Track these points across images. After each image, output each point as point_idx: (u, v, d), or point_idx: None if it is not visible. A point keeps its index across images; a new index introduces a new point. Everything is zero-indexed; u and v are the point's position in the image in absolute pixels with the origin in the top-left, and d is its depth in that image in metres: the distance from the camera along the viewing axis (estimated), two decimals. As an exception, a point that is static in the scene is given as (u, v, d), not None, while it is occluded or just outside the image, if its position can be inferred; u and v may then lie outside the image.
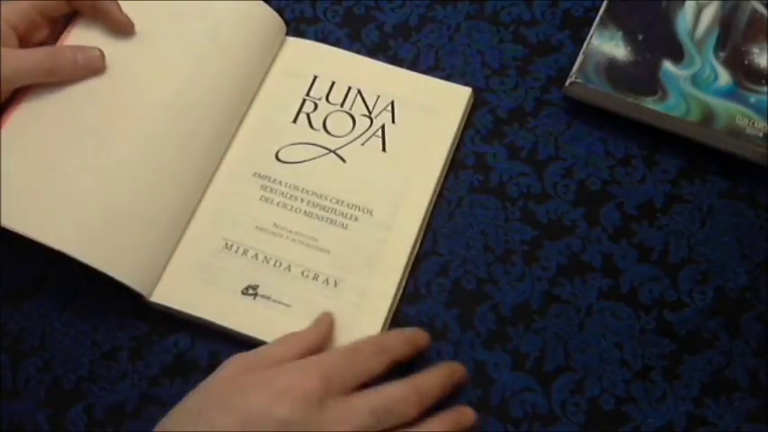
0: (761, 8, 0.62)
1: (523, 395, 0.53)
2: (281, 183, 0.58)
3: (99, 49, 0.57)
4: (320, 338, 0.51)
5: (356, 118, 0.61)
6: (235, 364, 0.49)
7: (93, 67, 0.57)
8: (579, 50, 0.62)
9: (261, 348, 0.50)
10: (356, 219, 0.57)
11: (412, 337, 0.52)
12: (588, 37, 0.62)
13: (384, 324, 0.54)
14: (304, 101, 0.61)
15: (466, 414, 0.50)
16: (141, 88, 0.57)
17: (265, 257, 0.56)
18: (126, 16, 0.58)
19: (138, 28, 0.59)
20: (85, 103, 0.56)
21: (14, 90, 0.56)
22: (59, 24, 0.59)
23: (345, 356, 0.49)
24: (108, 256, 0.53)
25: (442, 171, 0.59)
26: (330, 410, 0.46)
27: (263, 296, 0.55)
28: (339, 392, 0.47)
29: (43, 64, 0.55)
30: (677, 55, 0.60)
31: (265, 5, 0.62)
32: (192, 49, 0.59)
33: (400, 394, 0.48)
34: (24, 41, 0.56)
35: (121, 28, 0.58)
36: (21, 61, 0.55)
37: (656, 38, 0.61)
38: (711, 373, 0.53)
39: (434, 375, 0.50)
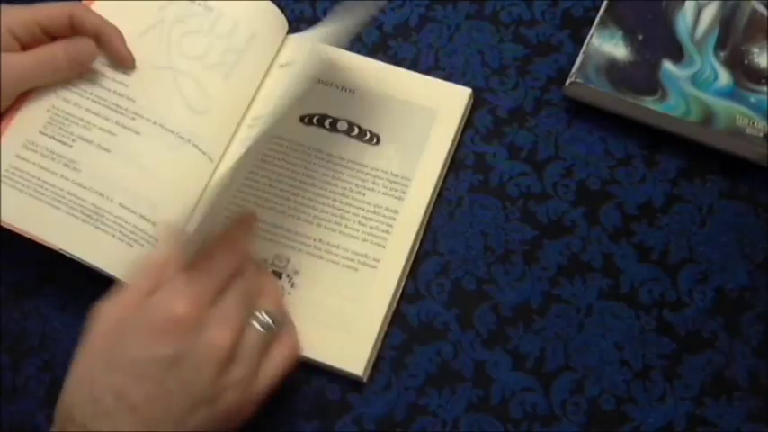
0: (761, 8, 0.62)
1: (523, 395, 0.53)
2: (280, 182, 0.58)
3: (89, 40, 0.57)
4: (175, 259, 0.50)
5: (357, 117, 0.61)
6: (105, 315, 0.47)
7: (86, 59, 0.57)
8: (579, 50, 0.62)
9: (123, 290, 0.48)
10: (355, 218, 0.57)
11: (244, 219, 0.53)
12: (588, 37, 0.62)
13: (383, 324, 0.54)
14: (303, 101, 0.61)
15: None
16: (143, 87, 0.57)
17: (265, 257, 0.56)
18: (128, 50, 0.58)
19: (142, 26, 0.59)
20: (86, 103, 0.57)
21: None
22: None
23: (203, 271, 0.48)
24: (108, 255, 0.53)
25: (442, 171, 0.59)
26: (207, 326, 0.46)
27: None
28: (210, 303, 0.47)
29: (44, 66, 0.55)
30: (677, 55, 0.60)
31: (271, 4, 0.62)
32: (198, 47, 0.59)
33: (254, 277, 0.49)
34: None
35: (122, 62, 0.58)
36: (22, 65, 0.55)
37: (656, 38, 0.61)
38: (711, 373, 0.53)
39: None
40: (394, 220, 0.57)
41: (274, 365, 0.49)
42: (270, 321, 0.49)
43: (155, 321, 0.46)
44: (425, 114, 0.60)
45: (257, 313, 0.48)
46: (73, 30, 0.57)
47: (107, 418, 0.44)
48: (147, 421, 0.44)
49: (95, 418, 0.44)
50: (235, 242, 0.51)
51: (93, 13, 0.57)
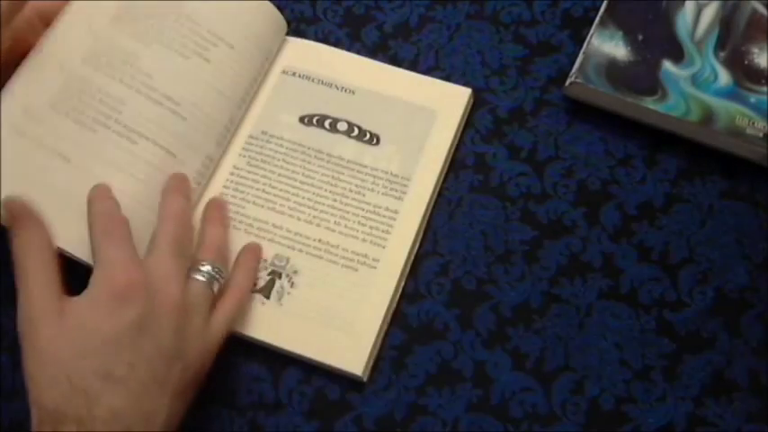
0: (761, 8, 0.62)
1: (523, 395, 0.53)
2: (280, 182, 0.59)
3: None
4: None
5: (355, 119, 0.61)
6: (33, 327, 0.47)
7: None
8: (579, 50, 0.62)
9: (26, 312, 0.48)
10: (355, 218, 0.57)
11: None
12: (588, 37, 0.62)
13: (383, 324, 0.54)
14: (302, 102, 0.61)
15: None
16: (143, 87, 0.57)
17: (264, 258, 0.56)
18: None
19: (141, 26, 0.58)
20: (87, 103, 0.56)
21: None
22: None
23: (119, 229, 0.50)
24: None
25: (442, 171, 0.59)
26: (153, 284, 0.47)
27: (261, 295, 0.55)
28: (140, 261, 0.49)
29: None
30: (677, 55, 0.60)
31: (270, 4, 0.62)
32: (197, 47, 0.59)
33: (185, 229, 0.52)
34: (22, 43, 0.56)
35: None
36: None
37: (656, 38, 0.61)
38: (711, 373, 0.53)
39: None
40: (394, 220, 0.57)
41: (223, 314, 0.51)
42: (210, 270, 0.51)
43: (104, 296, 0.47)
44: (425, 114, 0.61)
45: (198, 266, 0.51)
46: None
47: (100, 401, 0.44)
48: (136, 389, 0.45)
49: (89, 407, 0.44)
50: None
51: None
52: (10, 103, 0.54)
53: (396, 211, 0.57)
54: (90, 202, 0.51)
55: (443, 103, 0.61)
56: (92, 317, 0.46)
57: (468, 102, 0.61)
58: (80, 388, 0.44)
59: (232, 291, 0.53)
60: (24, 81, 0.55)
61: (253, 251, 0.56)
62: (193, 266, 0.51)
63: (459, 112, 0.61)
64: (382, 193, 0.58)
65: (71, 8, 0.57)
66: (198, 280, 0.50)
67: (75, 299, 0.47)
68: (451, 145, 0.60)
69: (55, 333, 0.46)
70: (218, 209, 0.56)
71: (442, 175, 0.59)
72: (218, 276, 0.51)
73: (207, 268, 0.51)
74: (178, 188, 0.55)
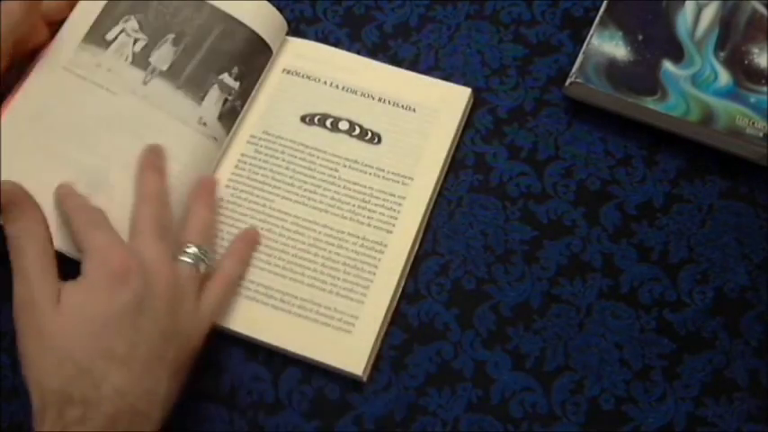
0: (761, 8, 0.62)
1: (523, 395, 0.53)
2: (281, 182, 0.59)
3: None
4: None
5: (356, 119, 0.61)
6: (25, 316, 0.48)
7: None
8: (579, 50, 0.62)
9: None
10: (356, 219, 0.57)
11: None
12: (588, 37, 0.62)
13: (383, 324, 0.54)
14: (304, 102, 0.61)
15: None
16: (142, 88, 0.57)
17: (265, 258, 0.56)
18: None
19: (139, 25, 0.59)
20: (86, 101, 0.56)
21: (12, 87, 0.56)
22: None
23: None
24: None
25: (442, 171, 0.59)
26: (146, 267, 0.48)
27: (261, 295, 0.55)
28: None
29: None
30: (677, 55, 0.60)
31: (270, 5, 0.62)
32: (195, 47, 0.59)
33: (165, 213, 0.53)
34: (23, 44, 0.56)
35: None
36: None
37: (656, 38, 0.61)
38: (711, 373, 0.53)
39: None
40: (395, 219, 0.57)
41: (211, 300, 0.52)
42: (197, 252, 0.51)
43: (101, 279, 0.47)
44: (425, 114, 0.61)
45: (184, 248, 0.51)
46: (70, 7, 0.58)
47: (105, 380, 0.45)
48: (138, 367, 0.46)
49: (95, 386, 0.45)
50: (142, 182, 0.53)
51: None
52: (19, 109, 0.56)
53: (397, 211, 0.57)
54: (62, 200, 0.52)
55: (443, 103, 0.61)
56: (91, 300, 0.47)
57: (468, 102, 0.61)
58: (85, 369, 0.45)
59: (220, 277, 0.53)
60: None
61: (247, 241, 0.56)
62: (179, 248, 0.51)
63: (459, 112, 0.61)
64: (382, 191, 0.58)
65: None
66: (185, 262, 0.51)
67: (71, 283, 0.48)
68: (451, 145, 0.60)
69: (55, 317, 0.47)
70: (205, 190, 0.56)
71: (442, 175, 0.59)
72: (204, 258, 0.52)
73: (193, 250, 0.51)
74: (153, 164, 0.54)
